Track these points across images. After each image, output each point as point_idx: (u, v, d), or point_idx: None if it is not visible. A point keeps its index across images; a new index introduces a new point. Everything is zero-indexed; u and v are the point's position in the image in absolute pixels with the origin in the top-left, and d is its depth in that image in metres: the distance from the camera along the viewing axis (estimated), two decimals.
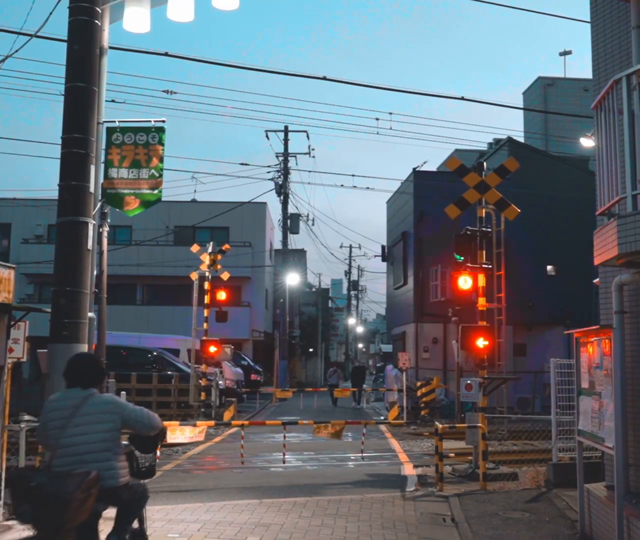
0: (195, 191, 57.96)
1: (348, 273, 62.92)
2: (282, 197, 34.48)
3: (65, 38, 6.46)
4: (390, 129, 26.86)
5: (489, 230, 11.23)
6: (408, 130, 71.18)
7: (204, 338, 18.26)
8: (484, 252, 10.21)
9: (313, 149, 35.41)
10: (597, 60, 7.33)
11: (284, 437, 11.39)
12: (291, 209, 35.66)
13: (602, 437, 6.06)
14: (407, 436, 16.03)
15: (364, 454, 11.33)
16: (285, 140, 34.72)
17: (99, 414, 4.25)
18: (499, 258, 13.41)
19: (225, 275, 19.52)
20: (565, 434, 9.73)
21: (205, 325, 18.59)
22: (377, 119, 30.72)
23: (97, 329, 8.97)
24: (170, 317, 31.61)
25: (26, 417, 7.46)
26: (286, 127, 34.52)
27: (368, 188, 48.11)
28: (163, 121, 7.78)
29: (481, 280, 9.99)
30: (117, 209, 7.94)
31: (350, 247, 61.13)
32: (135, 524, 4.61)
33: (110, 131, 7.76)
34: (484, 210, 10.29)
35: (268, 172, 48.34)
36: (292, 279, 37.44)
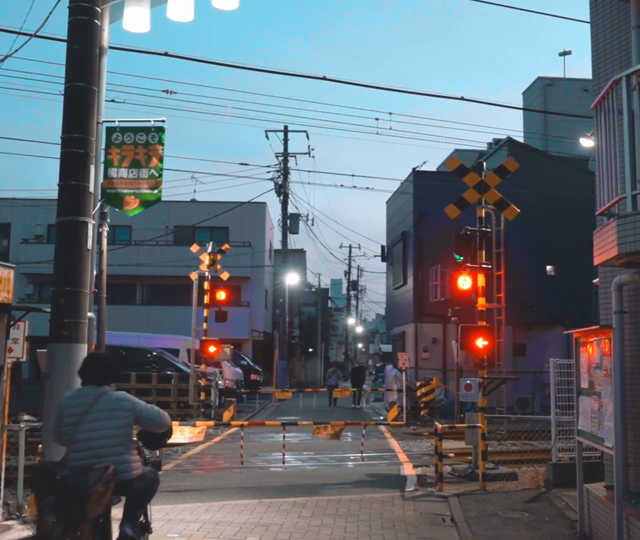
0: (194, 191, 57.59)
1: (348, 273, 62.96)
2: (281, 197, 34.49)
3: (65, 38, 6.45)
4: (390, 129, 26.85)
5: (489, 230, 11.23)
6: (408, 130, 71.30)
7: (204, 338, 18.26)
8: (484, 252, 10.21)
9: (313, 149, 35.44)
10: (597, 60, 7.33)
11: (284, 437, 11.40)
12: (291, 209, 35.73)
13: (602, 437, 6.06)
14: (407, 436, 16.03)
15: (363, 454, 11.33)
16: (285, 140, 34.72)
17: (113, 411, 4.41)
18: (498, 258, 13.41)
19: (224, 275, 19.52)
20: (564, 434, 9.73)
21: (204, 325, 18.60)
22: (376, 119, 30.71)
23: (96, 328, 8.97)
24: (170, 317, 31.61)
25: (25, 417, 7.45)
26: (286, 127, 34.55)
27: (368, 188, 48.23)
28: (163, 121, 7.77)
29: (481, 280, 9.99)
30: (117, 209, 7.93)
31: (350, 247, 61.19)
32: (141, 518, 4.76)
33: (110, 131, 7.75)
34: (483, 211, 10.29)
35: (268, 172, 48.37)
36: (291, 279, 37.44)
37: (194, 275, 19.67)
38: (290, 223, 35.83)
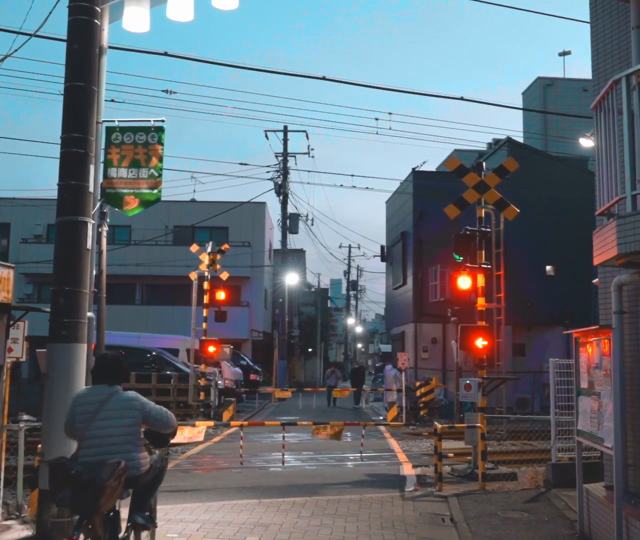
0: (194, 191, 57.54)
1: (347, 273, 62.97)
2: (281, 197, 34.48)
3: (65, 37, 6.45)
4: (390, 129, 26.82)
5: (488, 230, 11.23)
6: (407, 130, 71.44)
7: (203, 338, 18.26)
8: (483, 252, 10.21)
9: (312, 149, 35.46)
10: (597, 60, 7.33)
11: (283, 437, 11.40)
12: (290, 209, 35.71)
13: (602, 437, 6.06)
14: (406, 436, 16.03)
15: (363, 454, 11.33)
16: (285, 140, 34.72)
17: (123, 410, 4.56)
18: (498, 258, 13.42)
19: (224, 275, 19.52)
20: (564, 434, 9.72)
21: (204, 325, 18.60)
22: (376, 119, 30.59)
23: (96, 328, 8.98)
24: (170, 317, 31.61)
25: (25, 417, 7.45)
26: (285, 127, 34.54)
27: (367, 188, 48.35)
28: (162, 121, 7.78)
29: (480, 280, 9.99)
30: (117, 209, 7.94)
31: (350, 247, 61.23)
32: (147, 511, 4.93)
33: (110, 131, 7.75)
34: (483, 211, 10.29)
35: (267, 172, 48.43)
36: (291, 279, 37.43)
37: (193, 275, 19.67)
38: (290, 223, 35.82)
